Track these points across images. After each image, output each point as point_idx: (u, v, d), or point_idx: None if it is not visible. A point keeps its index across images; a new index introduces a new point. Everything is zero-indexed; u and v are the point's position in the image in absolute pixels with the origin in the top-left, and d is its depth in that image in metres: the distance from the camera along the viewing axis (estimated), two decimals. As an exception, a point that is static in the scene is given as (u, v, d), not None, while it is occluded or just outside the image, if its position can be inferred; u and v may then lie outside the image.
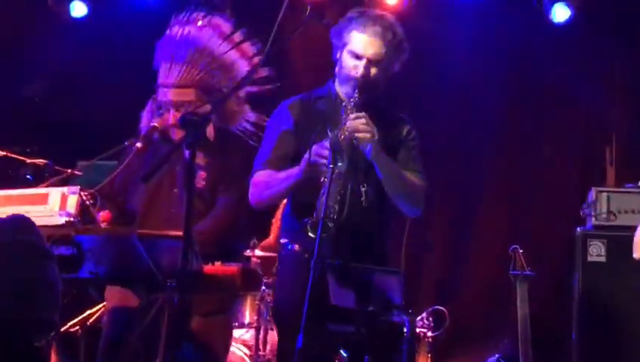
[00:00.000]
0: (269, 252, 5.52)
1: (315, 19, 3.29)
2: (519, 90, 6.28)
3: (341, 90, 3.48)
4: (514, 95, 6.28)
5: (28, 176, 4.75)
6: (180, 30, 3.86)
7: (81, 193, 3.16)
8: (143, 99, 3.94)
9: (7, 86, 6.25)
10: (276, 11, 3.14)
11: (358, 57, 3.41)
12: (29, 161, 4.80)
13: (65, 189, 3.15)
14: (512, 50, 6.24)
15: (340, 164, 3.16)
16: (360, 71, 3.39)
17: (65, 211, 3.09)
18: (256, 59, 3.86)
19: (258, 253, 5.32)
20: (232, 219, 3.71)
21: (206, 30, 3.86)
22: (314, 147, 3.22)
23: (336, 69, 3.51)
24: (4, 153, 4.86)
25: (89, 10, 6.39)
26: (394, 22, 3.48)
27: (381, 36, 3.40)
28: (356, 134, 3.27)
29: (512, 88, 6.28)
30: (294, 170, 3.31)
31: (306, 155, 3.23)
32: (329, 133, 3.23)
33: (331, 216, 3.13)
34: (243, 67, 3.86)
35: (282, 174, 3.37)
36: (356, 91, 3.36)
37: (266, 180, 3.42)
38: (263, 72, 3.79)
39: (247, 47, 3.89)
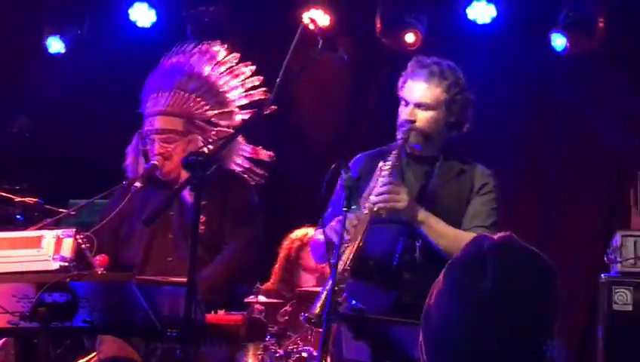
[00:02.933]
0: (271, 296, 5.49)
1: (328, 52, 3.29)
2: (538, 127, 6.30)
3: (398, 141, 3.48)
4: (533, 132, 6.29)
5: (18, 216, 4.74)
6: (169, 61, 3.91)
7: (77, 236, 3.13)
8: (132, 134, 3.95)
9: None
10: (281, 40, 3.15)
11: (406, 103, 3.47)
12: (18, 199, 4.79)
13: (60, 232, 3.11)
14: (530, 84, 6.27)
15: (353, 207, 3.16)
16: (405, 115, 3.43)
17: (59, 255, 3.05)
18: (251, 83, 3.87)
19: (261, 298, 5.28)
20: (240, 265, 3.72)
21: (196, 56, 3.90)
22: (330, 224, 3.28)
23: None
24: (-7, 192, 4.85)
25: (69, 46, 6.44)
26: (449, 67, 3.51)
27: (429, 80, 3.45)
28: (376, 207, 3.28)
29: (530, 126, 6.29)
30: (325, 230, 3.31)
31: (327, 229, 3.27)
32: (343, 174, 3.21)
33: (347, 267, 3.12)
34: (236, 90, 3.89)
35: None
36: (399, 138, 3.40)
37: (318, 241, 3.48)
38: (260, 98, 3.80)
39: (241, 70, 3.93)
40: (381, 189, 3.30)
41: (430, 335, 1.66)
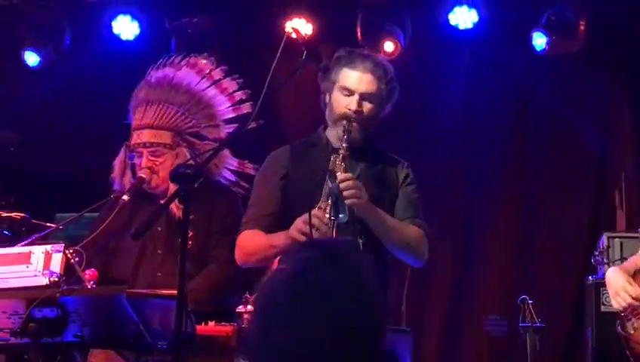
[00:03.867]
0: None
1: (312, 61, 3.31)
2: (521, 130, 6.32)
3: (332, 135, 3.48)
4: (516, 136, 6.31)
5: (5, 232, 4.73)
6: (156, 73, 3.90)
7: (66, 250, 3.13)
8: (117, 146, 3.95)
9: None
10: (264, 50, 3.16)
11: (350, 93, 3.42)
12: (4, 214, 4.78)
13: (49, 247, 3.11)
14: (511, 88, 6.30)
15: (341, 216, 3.17)
16: (353, 106, 3.39)
17: (49, 270, 3.06)
18: (237, 96, 3.89)
19: (251, 308, 5.28)
20: (227, 274, 3.71)
21: (183, 69, 3.90)
22: (297, 221, 3.23)
23: (327, 113, 3.51)
24: (-21, 207, 4.84)
25: (52, 59, 6.43)
26: (384, 60, 3.56)
27: (372, 72, 3.43)
28: (347, 201, 3.24)
29: (513, 129, 6.31)
30: (280, 240, 3.31)
31: (291, 231, 3.24)
32: (329, 184, 3.22)
33: None
34: (223, 103, 3.90)
35: (268, 240, 3.38)
36: (346, 136, 3.33)
37: (251, 244, 3.44)
38: (245, 111, 3.80)
39: (228, 84, 3.94)
40: (344, 185, 3.24)
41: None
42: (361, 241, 3.38)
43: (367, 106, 3.42)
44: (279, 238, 3.33)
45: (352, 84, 3.42)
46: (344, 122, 3.37)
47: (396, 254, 3.47)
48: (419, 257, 3.50)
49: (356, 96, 3.40)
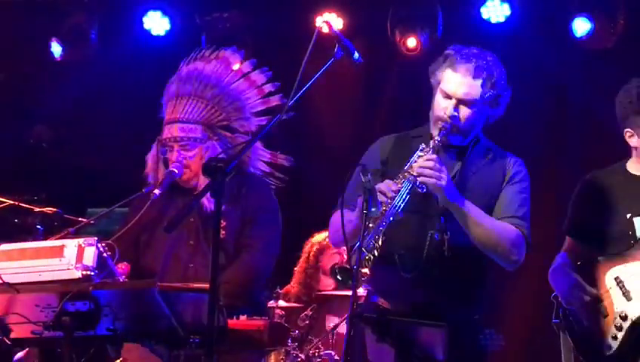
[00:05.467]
0: (292, 300, 5.51)
1: (344, 55, 3.28)
2: (558, 125, 6.30)
3: (433, 131, 3.42)
4: (552, 131, 6.30)
5: (38, 226, 4.77)
6: (186, 67, 3.91)
7: (99, 244, 3.13)
8: (150, 142, 3.95)
9: (11, 132, 6.31)
10: (296, 45, 3.15)
11: (448, 97, 3.37)
12: (37, 209, 4.81)
13: (81, 241, 3.10)
14: (546, 82, 6.28)
15: (373, 209, 3.14)
16: (448, 111, 3.35)
17: (82, 264, 3.05)
18: (266, 89, 3.90)
19: (282, 303, 5.30)
20: (260, 267, 3.70)
21: (213, 63, 3.90)
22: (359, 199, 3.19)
23: (432, 109, 3.46)
24: (12, 202, 4.88)
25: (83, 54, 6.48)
26: (492, 60, 3.44)
27: (474, 75, 3.36)
28: (420, 178, 3.21)
29: (550, 124, 6.30)
30: (350, 217, 3.25)
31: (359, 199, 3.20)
32: (362, 178, 3.19)
33: (368, 262, 3.10)
34: (252, 96, 3.90)
35: (349, 215, 3.28)
36: (440, 133, 3.32)
37: (338, 221, 3.34)
38: (275, 103, 3.80)
39: (257, 77, 3.93)
40: (425, 163, 3.22)
41: None
42: (446, 237, 3.33)
43: (464, 111, 3.36)
44: (354, 214, 3.27)
45: (450, 88, 3.38)
46: (440, 123, 3.36)
47: (486, 253, 3.36)
48: (510, 259, 3.38)
49: (453, 101, 3.36)
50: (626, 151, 5.94)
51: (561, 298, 3.85)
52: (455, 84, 3.36)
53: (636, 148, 3.89)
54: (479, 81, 3.36)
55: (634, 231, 3.73)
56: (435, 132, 3.37)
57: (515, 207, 3.41)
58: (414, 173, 3.22)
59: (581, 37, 6.04)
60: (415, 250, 3.30)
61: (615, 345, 3.66)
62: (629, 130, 3.87)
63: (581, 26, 6.03)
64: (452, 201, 3.28)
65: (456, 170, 3.38)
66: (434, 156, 3.25)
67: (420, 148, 3.30)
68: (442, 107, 3.37)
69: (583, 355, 3.83)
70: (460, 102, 3.35)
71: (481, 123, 3.44)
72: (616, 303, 3.69)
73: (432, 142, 3.30)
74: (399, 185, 3.20)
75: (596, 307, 3.72)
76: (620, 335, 3.65)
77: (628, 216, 3.75)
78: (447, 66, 3.40)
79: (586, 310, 3.73)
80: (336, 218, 3.41)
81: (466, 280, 3.38)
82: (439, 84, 3.41)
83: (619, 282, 3.70)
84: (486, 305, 3.52)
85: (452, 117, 3.34)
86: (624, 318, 3.65)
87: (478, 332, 3.47)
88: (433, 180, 3.22)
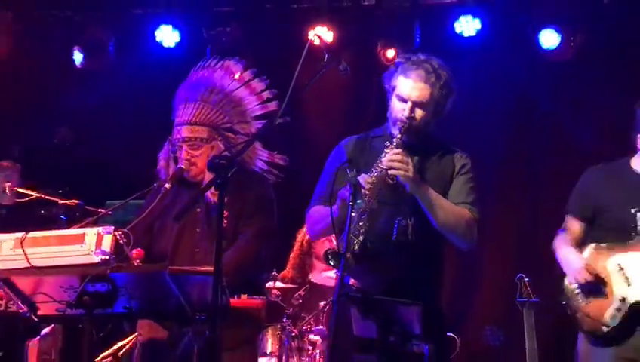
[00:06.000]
0: (288, 283, 5.52)
1: (333, 65, 3.29)
2: (524, 132, 6.29)
3: (393, 131, 3.44)
4: (519, 138, 6.29)
5: (61, 216, 4.77)
6: (195, 75, 3.90)
7: (115, 232, 3.14)
8: (161, 141, 3.94)
9: (38, 134, 6.31)
10: (289, 55, 3.15)
11: (404, 100, 3.40)
12: (61, 201, 4.82)
13: (100, 229, 3.12)
14: (513, 90, 6.27)
15: (359, 201, 3.16)
16: (405, 113, 3.37)
17: (100, 250, 3.06)
18: (264, 95, 3.89)
19: (279, 284, 5.32)
20: (253, 250, 3.67)
21: (218, 72, 3.89)
22: (341, 190, 3.22)
23: (389, 111, 3.48)
24: (39, 195, 4.88)
25: (101, 63, 6.48)
26: (439, 64, 3.44)
27: (425, 79, 3.38)
28: (390, 171, 3.25)
29: (517, 130, 6.29)
30: (333, 208, 3.25)
31: (339, 192, 3.23)
32: (348, 173, 3.21)
33: (354, 249, 3.11)
34: (252, 102, 3.88)
35: (327, 210, 3.31)
36: (399, 132, 3.35)
37: (315, 215, 3.44)
38: (272, 108, 3.80)
39: (256, 84, 3.92)
40: (394, 158, 3.25)
41: None
42: (410, 223, 3.35)
43: (419, 112, 3.38)
44: (333, 208, 3.26)
45: (405, 93, 3.39)
46: (399, 124, 3.38)
47: (445, 235, 3.40)
48: (467, 240, 3.42)
49: (409, 105, 3.38)
50: (585, 154, 5.98)
51: (568, 274, 3.86)
52: (409, 89, 3.39)
53: None
54: (429, 85, 3.38)
55: (637, 224, 3.73)
56: (395, 131, 3.39)
57: (465, 194, 3.44)
58: (385, 167, 3.25)
59: (548, 49, 6.03)
60: (385, 236, 3.31)
61: (613, 323, 3.70)
62: None
63: (548, 39, 6.02)
64: (419, 189, 3.31)
65: (413, 165, 3.37)
66: (400, 150, 3.28)
67: (386, 145, 3.32)
68: (399, 109, 3.39)
69: (579, 329, 3.87)
70: (415, 104, 3.38)
71: (433, 121, 3.45)
72: (616, 287, 3.71)
73: (394, 140, 3.32)
74: (373, 178, 3.22)
75: (598, 288, 3.74)
76: (619, 316, 3.69)
77: (633, 210, 3.74)
78: (400, 73, 3.42)
79: (586, 288, 3.76)
80: (312, 213, 3.47)
81: (428, 262, 3.42)
82: (394, 89, 3.43)
83: (620, 269, 3.73)
84: (442, 286, 3.53)
85: (409, 117, 3.36)
86: (623, 301, 3.68)
87: (441, 308, 3.48)
88: (402, 171, 3.25)
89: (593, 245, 3.85)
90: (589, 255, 3.85)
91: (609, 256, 3.77)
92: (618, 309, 3.69)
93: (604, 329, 3.72)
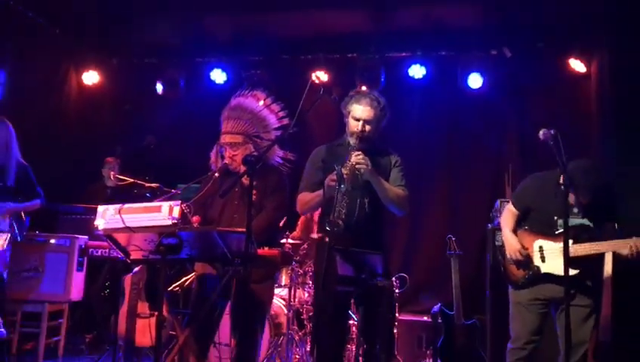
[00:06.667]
0: (297, 240, 5.53)
1: (326, 95, 3.29)
2: (452, 141, 6.28)
3: (350, 140, 3.45)
4: (448, 145, 6.27)
5: (147, 195, 4.77)
6: (234, 100, 3.85)
7: (182, 205, 3.14)
8: (213, 144, 3.92)
9: (132, 139, 6.31)
10: (297, 88, 3.16)
11: (357, 120, 3.41)
12: (147, 185, 4.82)
13: (172, 202, 3.11)
14: (445, 112, 6.26)
15: (342, 186, 3.15)
16: (359, 128, 3.39)
17: (171, 216, 3.06)
18: (280, 114, 3.82)
19: (290, 241, 5.31)
20: (273, 218, 3.64)
21: (250, 98, 3.83)
22: (329, 177, 3.23)
23: (346, 128, 3.50)
24: (133, 180, 4.89)
25: (178, 95, 6.46)
26: (379, 95, 3.47)
27: (370, 105, 3.40)
28: (357, 166, 3.26)
29: (448, 135, 6.27)
30: (320, 191, 3.31)
31: (325, 181, 3.24)
32: (336, 168, 3.21)
33: (342, 217, 3.11)
34: (272, 119, 3.80)
35: (314, 194, 3.37)
36: (356, 141, 3.36)
37: (305, 198, 3.44)
38: (285, 123, 3.75)
39: (275, 107, 3.85)
40: (358, 158, 3.26)
41: None
42: (366, 200, 3.35)
43: (367, 127, 3.39)
44: (320, 192, 3.32)
45: (357, 114, 3.41)
46: (355, 136, 3.38)
47: (388, 207, 3.39)
48: (403, 209, 3.42)
49: (361, 122, 3.39)
50: (491, 159, 5.98)
51: (507, 247, 3.71)
52: (360, 111, 3.40)
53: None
54: (373, 108, 3.39)
55: (556, 227, 3.61)
56: (352, 140, 3.39)
57: (399, 180, 3.44)
58: (353, 163, 3.25)
59: (475, 88, 6.00)
60: (352, 210, 3.30)
61: (528, 281, 3.64)
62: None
63: (475, 80, 5.99)
64: (373, 177, 3.31)
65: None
66: (360, 152, 3.29)
67: (350, 149, 3.33)
68: (354, 125, 3.41)
69: (506, 280, 3.77)
70: (365, 122, 3.39)
71: (377, 132, 3.46)
72: (535, 261, 3.65)
73: (354, 146, 3.33)
74: (347, 171, 3.21)
75: (523, 260, 3.65)
76: (532, 277, 3.63)
77: (555, 218, 3.60)
78: (354, 102, 3.43)
79: (516, 260, 3.67)
80: (301, 198, 3.46)
81: (379, 225, 3.43)
82: (350, 113, 3.44)
83: (541, 250, 3.65)
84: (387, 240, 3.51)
85: (361, 131, 3.38)
86: (537, 270, 3.62)
87: (390, 262, 3.48)
88: (364, 166, 3.26)
89: (526, 227, 3.72)
90: (521, 235, 3.72)
91: (535, 239, 3.67)
92: (532, 274, 3.63)
93: (521, 282, 3.67)
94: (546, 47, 5.73)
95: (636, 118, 4.85)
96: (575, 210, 3.40)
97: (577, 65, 5.74)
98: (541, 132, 3.19)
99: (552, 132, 3.16)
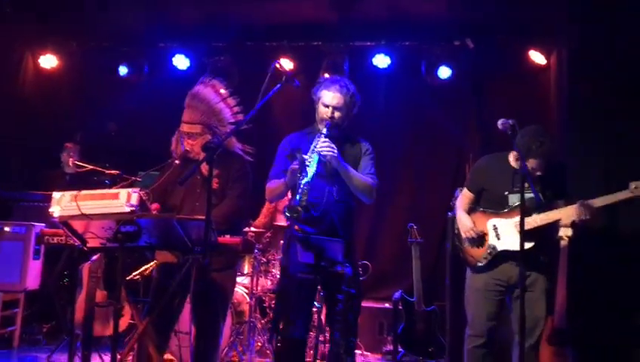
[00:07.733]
0: (259, 228, 5.51)
1: (289, 83, 3.26)
2: (415, 131, 6.31)
3: (319, 127, 3.42)
4: (412, 134, 6.30)
5: (106, 181, 4.67)
6: (194, 88, 3.78)
7: (140, 192, 3.09)
8: (173, 131, 3.86)
9: (93, 126, 6.17)
10: (261, 76, 3.13)
11: (326, 106, 3.38)
12: (107, 171, 4.72)
13: (130, 190, 3.07)
14: (408, 101, 6.28)
15: (304, 173, 3.14)
16: (328, 114, 3.37)
17: (129, 203, 3.02)
18: (235, 109, 3.76)
19: (253, 229, 5.29)
20: (236, 206, 3.61)
21: (208, 88, 3.76)
22: (293, 164, 3.22)
23: (316, 114, 3.46)
24: (92, 167, 4.78)
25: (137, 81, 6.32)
26: (349, 82, 3.44)
27: (340, 92, 3.37)
28: (322, 152, 3.23)
29: (411, 125, 6.31)
30: (286, 178, 3.28)
31: (289, 168, 3.21)
32: (298, 156, 3.19)
33: (302, 205, 3.09)
34: (227, 113, 3.74)
35: (280, 181, 3.34)
36: (326, 127, 3.34)
37: (273, 185, 3.41)
38: (239, 118, 3.71)
39: (231, 101, 3.79)
40: (324, 144, 3.24)
41: None
42: (334, 188, 3.34)
43: (337, 114, 3.36)
44: (284, 179, 3.30)
45: (327, 101, 3.37)
46: (324, 122, 3.35)
47: (356, 194, 3.38)
48: (370, 197, 3.41)
49: (330, 108, 3.36)
50: (452, 147, 6.04)
51: (460, 228, 3.78)
52: (330, 98, 3.37)
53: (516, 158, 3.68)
54: (343, 95, 3.37)
55: (507, 202, 3.68)
56: (321, 127, 3.37)
57: (368, 168, 3.43)
58: (319, 150, 3.23)
59: (439, 79, 6.00)
60: (319, 199, 3.29)
61: (483, 263, 3.71)
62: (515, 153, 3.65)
63: (444, 72, 5.96)
64: (341, 165, 3.30)
65: (336, 150, 3.36)
66: (327, 139, 3.27)
67: (318, 135, 3.30)
68: (324, 112, 3.38)
69: (465, 263, 3.83)
70: (335, 108, 3.36)
71: (347, 120, 3.44)
72: (490, 240, 3.70)
73: (322, 133, 3.30)
74: (311, 159, 3.20)
75: (477, 240, 3.72)
76: (490, 257, 3.69)
77: (505, 193, 3.68)
78: (323, 88, 3.41)
79: (471, 240, 3.73)
80: (270, 185, 3.44)
81: (346, 213, 3.42)
82: (319, 99, 3.41)
83: (495, 228, 3.71)
84: (355, 229, 3.52)
85: (331, 117, 3.35)
86: (494, 249, 3.68)
87: (356, 250, 3.49)
88: (330, 153, 3.24)
89: (480, 209, 3.79)
90: (475, 217, 3.80)
91: (488, 218, 3.73)
92: (489, 254, 3.69)
93: (479, 264, 3.73)
94: (508, 39, 5.80)
95: (590, 110, 4.96)
96: (526, 185, 3.48)
97: (537, 57, 5.82)
98: (500, 122, 3.23)
99: (511, 122, 3.20)
